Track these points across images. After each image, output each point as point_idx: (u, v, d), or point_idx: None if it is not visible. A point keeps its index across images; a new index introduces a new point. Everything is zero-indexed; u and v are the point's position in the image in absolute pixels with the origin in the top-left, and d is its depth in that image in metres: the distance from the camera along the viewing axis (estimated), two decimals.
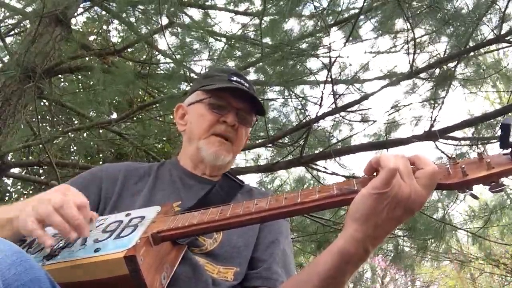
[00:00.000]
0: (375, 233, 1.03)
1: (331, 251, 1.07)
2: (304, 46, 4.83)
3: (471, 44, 4.22)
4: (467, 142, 4.62)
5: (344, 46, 4.20)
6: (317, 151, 5.14)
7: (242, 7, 6.51)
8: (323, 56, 4.97)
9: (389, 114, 5.02)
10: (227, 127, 1.56)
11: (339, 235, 1.08)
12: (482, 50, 4.84)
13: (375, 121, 4.98)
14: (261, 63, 4.66)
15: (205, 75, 1.76)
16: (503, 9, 4.08)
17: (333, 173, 4.90)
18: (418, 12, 4.20)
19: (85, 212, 1.12)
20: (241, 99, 1.58)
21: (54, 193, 1.13)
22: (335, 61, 4.30)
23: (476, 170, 0.99)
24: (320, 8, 4.20)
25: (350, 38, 4.36)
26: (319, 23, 4.44)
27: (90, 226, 1.13)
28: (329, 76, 4.13)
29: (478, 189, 1.03)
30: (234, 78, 1.61)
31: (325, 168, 4.94)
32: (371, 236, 1.03)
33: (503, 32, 4.11)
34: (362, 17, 4.90)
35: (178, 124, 1.71)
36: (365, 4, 4.05)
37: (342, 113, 4.84)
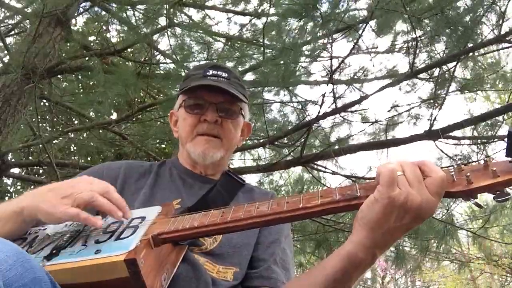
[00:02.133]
0: (383, 240, 1.03)
1: (340, 255, 1.07)
2: (305, 49, 4.83)
3: (470, 44, 4.22)
4: (467, 141, 4.62)
5: (349, 55, 4.20)
6: (315, 150, 5.15)
7: (241, 7, 6.52)
8: (324, 58, 4.98)
9: (389, 114, 5.02)
10: (209, 125, 1.52)
11: (347, 239, 1.08)
12: (482, 51, 4.83)
13: (376, 121, 4.97)
14: (262, 67, 4.64)
15: (184, 77, 1.72)
16: (503, 9, 4.08)
17: (334, 173, 4.91)
18: (419, 15, 4.18)
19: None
20: (218, 92, 1.53)
21: (83, 183, 1.19)
22: (338, 67, 4.31)
23: (481, 178, 0.97)
24: (322, 14, 4.16)
25: (352, 41, 4.36)
26: (320, 30, 4.41)
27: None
28: (329, 78, 4.13)
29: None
30: (210, 72, 1.57)
31: (325, 168, 4.95)
32: (379, 243, 1.03)
33: (502, 32, 4.11)
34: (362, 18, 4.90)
35: (173, 131, 1.71)
36: (370, 13, 4.03)
37: (342, 113, 4.84)
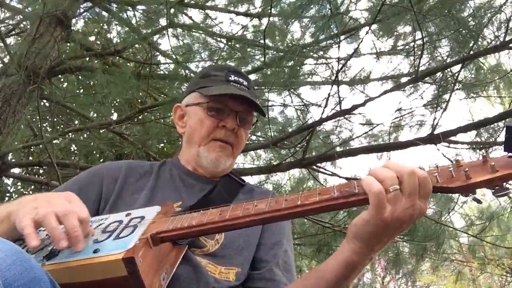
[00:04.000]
0: (379, 245, 1.08)
1: (338, 261, 1.11)
2: (308, 50, 4.81)
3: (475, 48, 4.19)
4: (469, 145, 4.59)
5: (352, 56, 4.17)
6: (315, 152, 5.13)
7: (243, 8, 6.51)
8: (328, 59, 4.96)
9: (393, 118, 5.01)
10: (227, 132, 1.53)
11: (343, 244, 1.11)
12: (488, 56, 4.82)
13: (381, 123, 4.97)
14: (264, 68, 4.63)
15: (202, 74, 1.69)
16: (508, 16, 4.05)
17: (333, 174, 4.90)
18: (426, 14, 4.14)
19: (85, 227, 1.09)
20: (240, 101, 1.54)
21: (59, 199, 1.11)
22: (343, 66, 4.27)
23: (479, 173, 0.96)
24: (329, 13, 4.12)
25: (355, 42, 4.34)
26: (326, 30, 4.38)
27: (84, 240, 1.10)
28: (335, 79, 4.11)
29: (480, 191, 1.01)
30: (232, 78, 1.57)
31: (327, 170, 4.94)
32: (376, 248, 1.08)
33: (507, 38, 4.07)
34: (365, 20, 4.88)
35: (177, 126, 1.68)
36: (376, 16, 4.00)
37: (346, 116, 4.81)
